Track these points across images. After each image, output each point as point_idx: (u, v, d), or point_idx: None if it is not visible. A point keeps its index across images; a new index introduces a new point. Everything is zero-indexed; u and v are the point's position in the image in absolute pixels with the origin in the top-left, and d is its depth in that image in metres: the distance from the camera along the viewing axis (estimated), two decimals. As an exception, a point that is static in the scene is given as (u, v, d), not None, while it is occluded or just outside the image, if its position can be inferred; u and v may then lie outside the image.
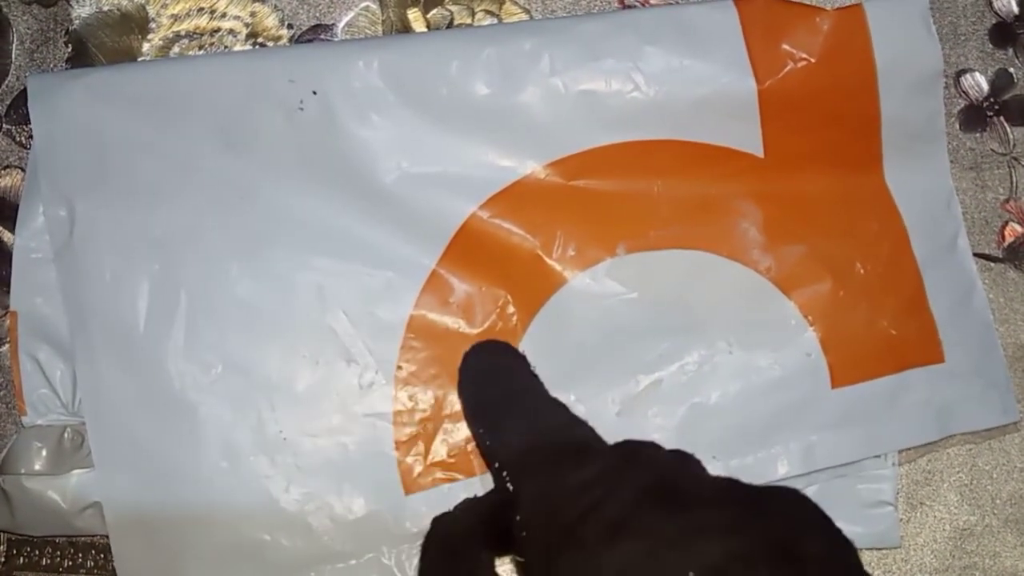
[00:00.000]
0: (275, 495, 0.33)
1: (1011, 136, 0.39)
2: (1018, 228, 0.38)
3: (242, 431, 0.33)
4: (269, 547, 0.33)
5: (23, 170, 0.37)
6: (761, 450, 0.35)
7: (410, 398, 0.34)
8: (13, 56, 0.38)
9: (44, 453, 0.33)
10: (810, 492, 0.35)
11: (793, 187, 0.36)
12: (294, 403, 0.34)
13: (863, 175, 0.37)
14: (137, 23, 0.38)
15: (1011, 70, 0.39)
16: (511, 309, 0.35)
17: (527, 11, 0.39)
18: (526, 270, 0.35)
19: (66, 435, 0.34)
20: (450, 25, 0.38)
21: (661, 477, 0.23)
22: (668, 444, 0.34)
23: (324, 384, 0.34)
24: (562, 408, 0.29)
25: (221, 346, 0.34)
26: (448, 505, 0.31)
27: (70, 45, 0.38)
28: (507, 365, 0.31)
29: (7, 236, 0.37)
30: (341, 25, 0.39)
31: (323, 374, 0.34)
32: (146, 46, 0.38)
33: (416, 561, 0.31)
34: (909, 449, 0.36)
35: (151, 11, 0.38)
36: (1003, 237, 0.38)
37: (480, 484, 0.34)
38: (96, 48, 0.38)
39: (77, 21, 0.38)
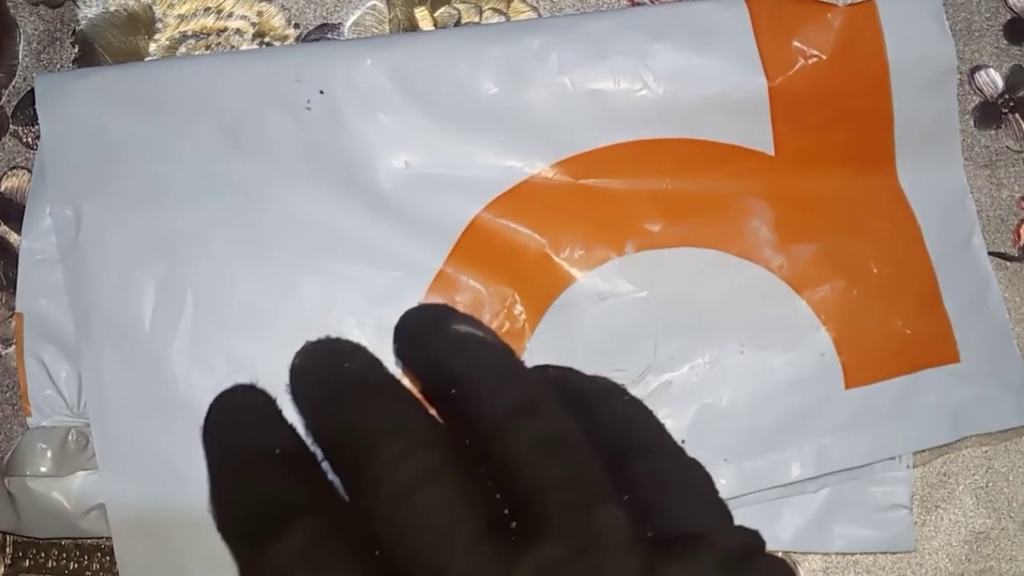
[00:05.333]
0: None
1: (1027, 133, 0.39)
2: (1034, 226, 0.38)
3: (247, 432, 0.33)
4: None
5: (30, 171, 0.37)
6: (774, 452, 0.34)
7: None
8: (20, 57, 0.38)
9: (49, 455, 0.33)
10: (823, 495, 0.35)
11: (804, 185, 0.36)
12: (299, 404, 0.34)
13: (876, 173, 0.37)
14: (144, 23, 0.38)
15: (1026, 66, 0.39)
16: (519, 308, 0.35)
17: (535, 9, 0.38)
18: (534, 269, 0.35)
19: (71, 436, 0.34)
20: (457, 23, 0.38)
21: None
22: (678, 446, 0.34)
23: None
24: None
25: (226, 347, 0.34)
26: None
27: (77, 46, 0.38)
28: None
29: (13, 237, 0.37)
30: (348, 24, 0.38)
31: (329, 375, 0.34)
32: (153, 46, 0.38)
33: None
34: (924, 451, 0.35)
35: (158, 11, 0.38)
36: (1019, 235, 0.38)
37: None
38: (103, 48, 0.38)
39: (84, 22, 0.38)
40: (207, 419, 0.20)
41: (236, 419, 0.21)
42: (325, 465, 0.19)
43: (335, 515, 0.18)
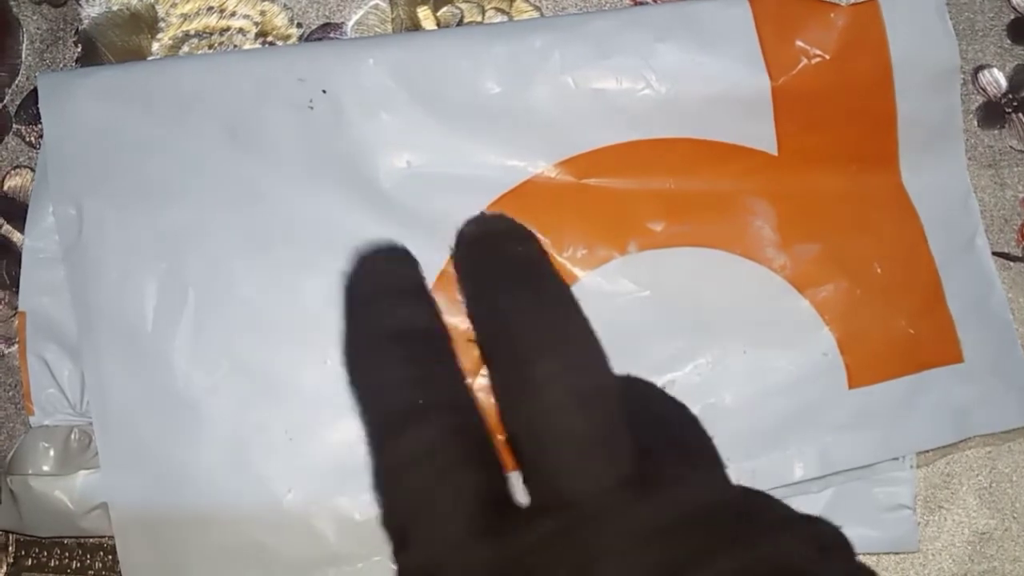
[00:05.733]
0: (279, 496, 0.33)
1: (1030, 133, 0.39)
2: (1038, 226, 0.38)
3: (247, 432, 0.33)
4: (272, 549, 0.33)
5: (33, 170, 0.37)
6: (776, 452, 0.34)
7: (418, 398, 0.34)
8: (23, 56, 0.38)
9: (51, 454, 0.33)
10: (826, 495, 0.35)
11: (807, 185, 0.36)
12: (300, 404, 0.34)
13: (879, 173, 0.37)
14: (146, 22, 0.38)
15: (1030, 66, 0.39)
16: (521, 308, 0.35)
17: (537, 8, 0.38)
18: (536, 269, 0.35)
19: (73, 435, 0.34)
20: (460, 23, 0.38)
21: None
22: (681, 446, 0.34)
23: (331, 385, 0.34)
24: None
25: (228, 346, 0.34)
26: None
27: (80, 45, 0.38)
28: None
29: (16, 236, 0.37)
30: (351, 23, 0.38)
31: (330, 375, 0.34)
32: (155, 45, 0.38)
33: None
34: (927, 451, 0.35)
35: (160, 10, 0.38)
36: (1022, 236, 0.38)
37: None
38: (106, 48, 0.38)
39: (87, 21, 0.38)
40: (350, 276, 0.20)
41: (382, 289, 0.20)
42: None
43: (465, 411, 0.18)
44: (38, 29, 0.38)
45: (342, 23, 0.38)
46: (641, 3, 0.38)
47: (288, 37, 0.38)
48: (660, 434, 0.19)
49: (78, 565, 0.35)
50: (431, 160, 0.35)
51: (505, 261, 0.19)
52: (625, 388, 0.18)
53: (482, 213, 0.20)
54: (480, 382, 0.18)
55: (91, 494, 0.33)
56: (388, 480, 0.18)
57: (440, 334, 0.19)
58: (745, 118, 0.35)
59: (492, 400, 0.18)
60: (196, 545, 0.33)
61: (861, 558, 0.33)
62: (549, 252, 0.34)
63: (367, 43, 0.36)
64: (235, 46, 0.38)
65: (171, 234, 0.34)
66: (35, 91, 0.36)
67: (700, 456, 0.19)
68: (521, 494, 0.18)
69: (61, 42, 0.38)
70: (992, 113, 0.38)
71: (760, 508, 0.18)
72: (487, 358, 0.18)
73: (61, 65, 0.38)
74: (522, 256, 0.19)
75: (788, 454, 0.34)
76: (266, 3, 0.38)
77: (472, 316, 0.19)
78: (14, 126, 0.38)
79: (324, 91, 0.35)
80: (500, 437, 0.18)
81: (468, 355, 0.19)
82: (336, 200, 0.35)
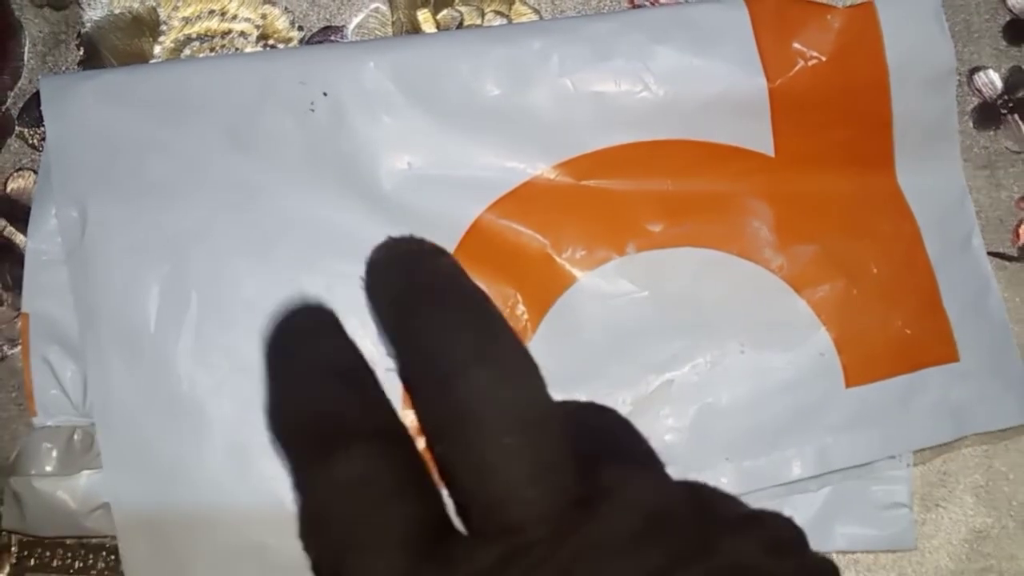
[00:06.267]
0: (280, 497, 0.33)
1: (1025, 134, 0.39)
2: (1033, 227, 0.38)
3: (249, 432, 0.33)
4: (275, 550, 0.33)
5: (35, 172, 0.37)
6: (774, 451, 0.34)
7: (419, 399, 0.34)
8: (25, 59, 0.38)
9: (54, 454, 0.34)
10: (823, 494, 0.35)
11: (804, 186, 0.36)
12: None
13: (875, 174, 0.37)
14: (148, 26, 0.38)
15: (1025, 68, 0.39)
16: (521, 309, 0.35)
17: (537, 11, 0.39)
18: (536, 269, 0.35)
19: (76, 436, 0.34)
20: (460, 26, 0.38)
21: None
22: (680, 445, 0.34)
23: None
24: None
25: (229, 347, 0.34)
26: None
27: (82, 48, 0.38)
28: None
29: (19, 238, 0.37)
30: (351, 27, 0.39)
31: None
32: (157, 48, 0.38)
33: None
34: (924, 450, 0.36)
35: (162, 13, 0.38)
36: (1018, 236, 0.38)
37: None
38: (108, 51, 0.38)
39: (89, 24, 0.38)
40: (270, 332, 0.19)
41: (298, 333, 0.19)
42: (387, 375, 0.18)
43: (396, 437, 0.17)
44: (40, 32, 0.38)
45: (343, 26, 0.39)
46: (639, 6, 0.38)
47: (289, 40, 0.38)
48: (594, 440, 0.18)
49: (81, 565, 0.35)
50: (431, 162, 0.35)
51: (416, 279, 0.18)
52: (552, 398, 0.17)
53: (389, 237, 0.20)
54: (408, 417, 0.17)
55: (94, 494, 0.33)
56: (318, 513, 0.17)
57: (363, 366, 0.18)
58: (742, 120, 0.36)
59: (421, 434, 0.17)
60: (199, 545, 0.33)
61: (857, 554, 0.33)
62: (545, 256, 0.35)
63: (368, 46, 0.36)
64: (236, 49, 0.38)
65: (173, 236, 0.35)
66: (37, 94, 0.37)
67: (637, 456, 0.18)
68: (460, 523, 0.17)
69: (63, 45, 0.38)
70: (987, 114, 0.39)
71: (711, 508, 0.18)
72: (409, 385, 0.17)
73: (63, 68, 0.38)
74: (433, 271, 0.18)
75: (787, 454, 0.34)
76: (267, 6, 0.39)
77: (389, 343, 0.18)
78: (17, 128, 0.38)
79: (325, 94, 0.35)
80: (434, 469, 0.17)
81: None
82: (337, 201, 0.35)
